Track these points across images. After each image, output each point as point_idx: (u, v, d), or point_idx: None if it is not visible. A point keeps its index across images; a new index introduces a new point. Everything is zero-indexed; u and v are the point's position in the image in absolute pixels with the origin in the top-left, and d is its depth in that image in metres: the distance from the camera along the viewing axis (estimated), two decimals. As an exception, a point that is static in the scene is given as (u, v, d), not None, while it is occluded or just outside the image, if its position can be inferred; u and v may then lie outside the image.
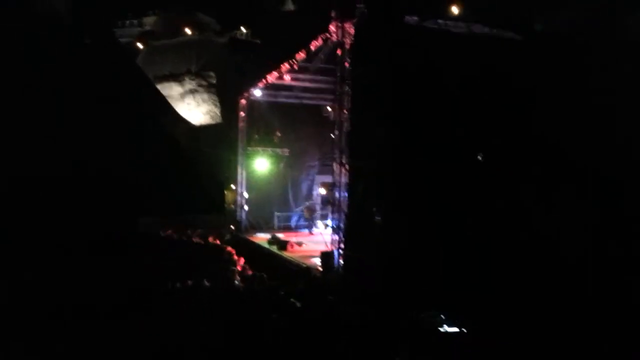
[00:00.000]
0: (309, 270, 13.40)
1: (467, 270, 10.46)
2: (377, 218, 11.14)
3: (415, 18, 12.03)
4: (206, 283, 9.16)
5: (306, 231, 19.47)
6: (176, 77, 43.95)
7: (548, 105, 11.65)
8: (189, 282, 9.54)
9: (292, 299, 10.28)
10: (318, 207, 20.67)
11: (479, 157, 11.76)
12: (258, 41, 45.53)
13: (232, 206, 23.72)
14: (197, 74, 44.09)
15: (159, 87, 40.07)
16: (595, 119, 11.28)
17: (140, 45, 50.68)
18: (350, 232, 12.37)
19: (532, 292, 9.59)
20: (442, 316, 8.51)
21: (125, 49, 44.85)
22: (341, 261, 12.57)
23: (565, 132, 11.34)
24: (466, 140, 11.83)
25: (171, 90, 43.28)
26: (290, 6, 49.13)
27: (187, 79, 43.89)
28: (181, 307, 7.76)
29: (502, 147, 11.88)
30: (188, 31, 49.56)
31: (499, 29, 12.84)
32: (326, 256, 13.01)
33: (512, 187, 11.59)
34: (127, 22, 58.14)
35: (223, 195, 30.65)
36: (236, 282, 11.52)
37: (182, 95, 43.77)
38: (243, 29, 53.76)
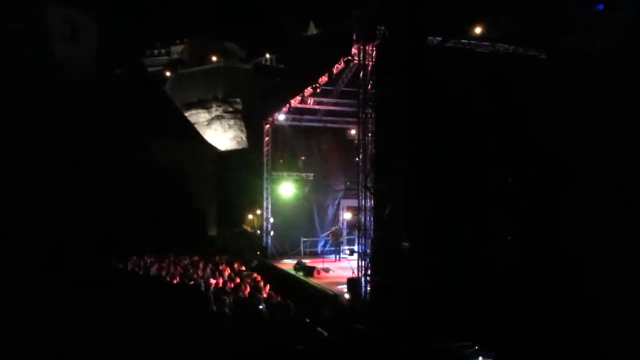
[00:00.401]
0: (336, 297, 13.06)
1: (505, 296, 10.03)
2: (405, 243, 10.79)
3: (438, 38, 11.87)
4: (227, 310, 8.91)
5: (333, 257, 19.10)
6: (203, 104, 44.86)
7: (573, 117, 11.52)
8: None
9: (318, 328, 9.97)
10: (344, 232, 20.35)
11: (509, 180, 11.41)
12: (282, 66, 46.17)
13: (258, 232, 23.59)
14: (224, 101, 44.87)
15: (186, 114, 40.83)
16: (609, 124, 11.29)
17: (167, 74, 51.98)
18: (377, 258, 12.04)
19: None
20: (476, 347, 8.05)
21: (153, 77, 46.01)
22: (368, 288, 12.22)
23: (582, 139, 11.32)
24: (496, 160, 11.53)
25: (198, 117, 44.13)
26: (312, 30, 49.75)
27: (214, 105, 44.75)
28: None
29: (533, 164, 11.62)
30: (214, 59, 50.61)
31: (523, 47, 12.57)
32: (352, 283, 12.68)
33: (551, 208, 11.28)
34: (156, 51, 59.89)
35: (243, 218, 30.78)
36: (260, 308, 11.22)
37: (209, 122, 44.54)
38: (267, 55, 54.73)
